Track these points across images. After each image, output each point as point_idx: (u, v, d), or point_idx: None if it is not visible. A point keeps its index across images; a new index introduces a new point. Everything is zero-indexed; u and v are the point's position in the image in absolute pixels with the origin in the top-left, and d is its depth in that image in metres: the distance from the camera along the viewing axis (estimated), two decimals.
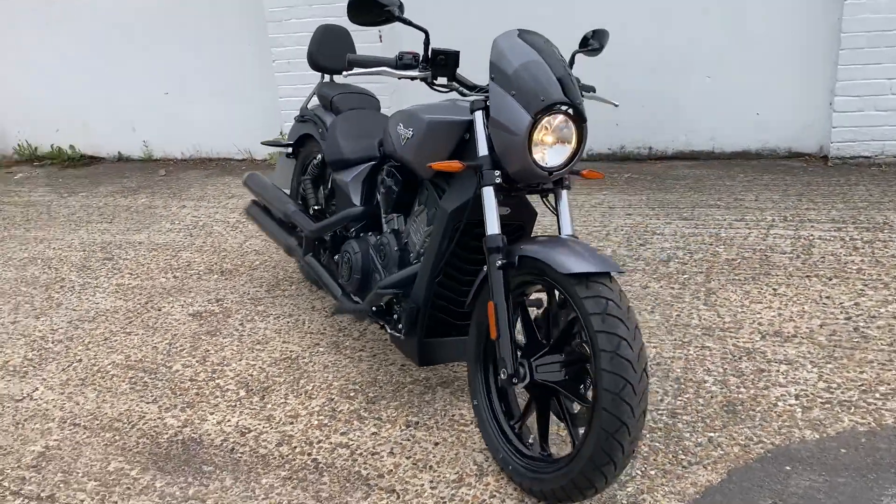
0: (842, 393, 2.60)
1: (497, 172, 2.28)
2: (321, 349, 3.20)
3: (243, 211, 3.95)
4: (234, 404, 2.87)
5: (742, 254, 3.70)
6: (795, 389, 2.64)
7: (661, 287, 3.44)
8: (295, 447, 2.59)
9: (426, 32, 2.40)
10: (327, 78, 3.69)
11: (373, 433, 2.63)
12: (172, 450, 2.64)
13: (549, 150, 2.23)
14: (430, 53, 2.39)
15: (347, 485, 2.39)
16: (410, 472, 2.42)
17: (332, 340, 3.26)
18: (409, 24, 2.38)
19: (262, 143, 3.88)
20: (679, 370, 2.81)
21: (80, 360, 3.29)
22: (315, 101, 3.67)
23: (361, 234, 3.02)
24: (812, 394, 2.61)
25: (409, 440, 2.57)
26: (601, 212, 4.38)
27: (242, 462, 2.54)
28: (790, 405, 2.56)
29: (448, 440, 2.56)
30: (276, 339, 3.33)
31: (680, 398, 2.65)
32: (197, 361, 3.20)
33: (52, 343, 3.47)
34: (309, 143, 3.62)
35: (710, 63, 5.02)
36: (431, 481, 2.37)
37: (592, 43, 2.68)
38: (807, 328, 3.01)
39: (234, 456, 2.57)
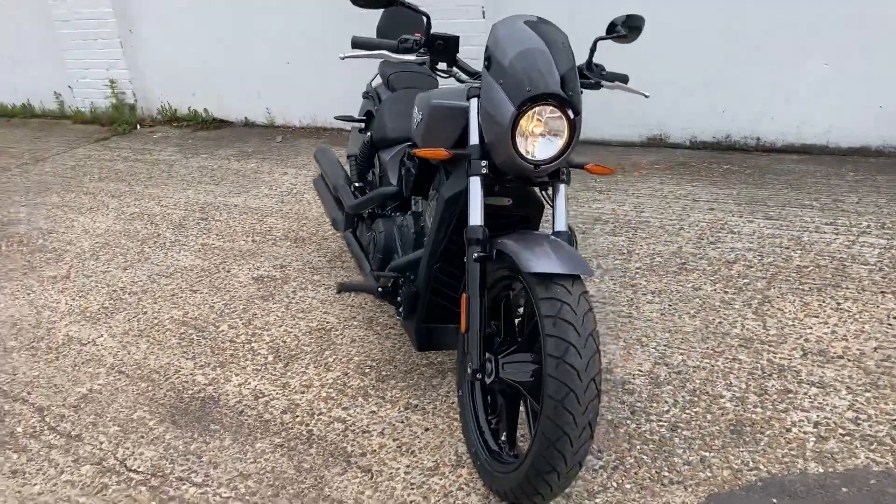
0: (869, 426, 2.35)
1: (484, 163, 2.23)
2: (355, 323, 3.28)
3: (312, 182, 4.09)
4: (259, 368, 3.01)
5: (817, 261, 3.39)
6: (817, 416, 2.42)
7: (715, 290, 3.23)
8: (297, 416, 2.69)
9: (427, 17, 2.37)
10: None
11: (371, 411, 2.68)
12: (191, 406, 2.81)
13: (537, 143, 2.15)
14: (429, 38, 2.37)
15: (330, 459, 2.45)
16: (392, 454, 2.45)
17: (368, 316, 3.33)
18: (410, 7, 2.36)
19: (335, 118, 3.97)
20: (698, 381, 2.65)
21: (146, 313, 3.56)
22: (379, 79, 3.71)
23: (393, 214, 3.05)
24: (835, 423, 2.38)
25: (402, 422, 2.60)
26: (683, 204, 4.15)
27: (246, 425, 2.67)
28: (805, 432, 2.35)
29: (439, 427, 2.56)
30: (319, 309, 3.44)
31: (688, 411, 2.50)
32: (242, 324, 3.37)
33: (128, 294, 3.77)
34: (372, 120, 3.67)
35: (828, 48, 4.58)
36: (408, 466, 2.39)
37: (620, 29, 2.53)
38: (858, 350, 2.74)
39: (241, 418, 2.71)
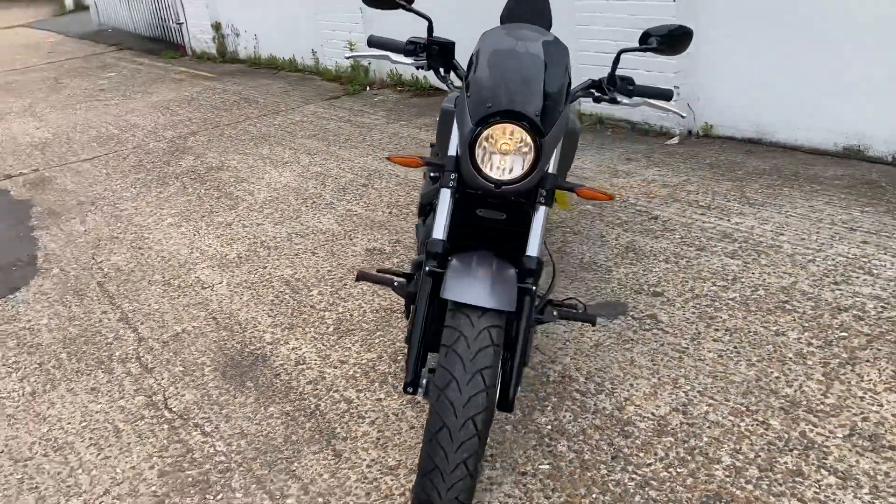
0: None
1: (454, 175, 2.19)
2: None
3: None
4: (317, 336, 3.23)
5: None
6: None
7: (799, 339, 2.82)
8: (317, 389, 2.87)
9: (429, 20, 2.36)
10: None
11: (378, 399, 2.78)
12: (245, 361, 3.12)
13: (505, 162, 2.07)
14: (427, 43, 2.36)
15: (316, 436, 2.61)
16: (368, 444, 2.55)
17: None
18: (414, 12, 2.35)
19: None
20: (706, 439, 2.38)
21: (265, 268, 3.95)
22: None
23: None
24: None
25: (396, 416, 2.67)
26: (833, 232, 3.60)
27: (273, 388, 2.91)
28: None
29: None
30: None
31: (671, 469, 2.27)
32: (330, 292, 3.61)
33: (263, 248, 4.19)
34: None
35: None
36: (372, 461, 2.47)
37: (652, 41, 2.30)
38: None
39: (273, 381, 2.96)
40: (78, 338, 3.44)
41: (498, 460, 2.40)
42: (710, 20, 4.88)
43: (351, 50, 8.05)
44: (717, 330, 2.94)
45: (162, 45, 12.35)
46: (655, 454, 2.35)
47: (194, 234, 4.48)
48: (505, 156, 2.07)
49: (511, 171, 2.08)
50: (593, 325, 2.94)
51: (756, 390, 2.58)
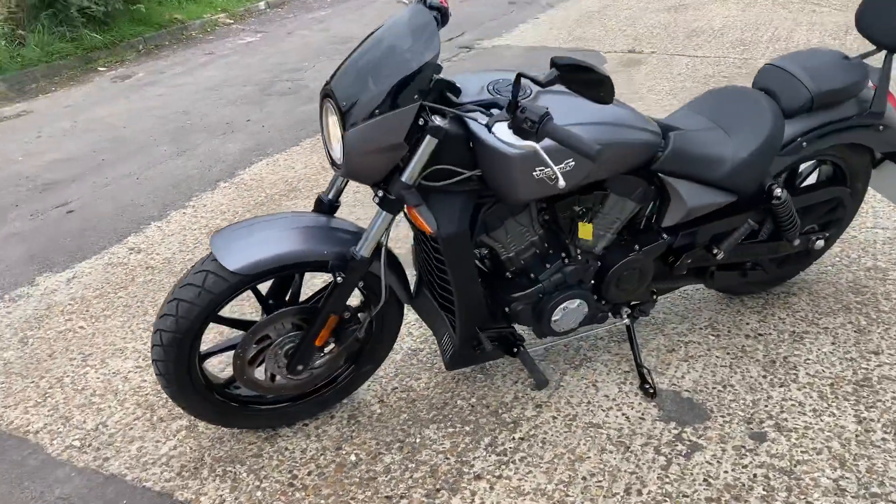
0: None
1: None
2: None
3: None
4: None
5: None
6: None
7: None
8: None
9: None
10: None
11: (392, 376, 2.92)
12: None
13: (333, 140, 2.12)
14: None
15: None
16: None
17: None
18: None
19: None
20: None
21: None
22: None
23: None
24: None
25: (387, 392, 2.83)
26: None
27: None
28: None
29: (380, 412, 2.74)
30: None
31: None
32: None
33: None
34: None
35: None
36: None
37: (552, 73, 1.86)
38: None
39: None
40: None
41: (353, 428, 2.62)
42: None
43: None
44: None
45: None
46: None
47: None
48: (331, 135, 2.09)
49: (336, 152, 2.09)
50: (538, 388, 2.71)
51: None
